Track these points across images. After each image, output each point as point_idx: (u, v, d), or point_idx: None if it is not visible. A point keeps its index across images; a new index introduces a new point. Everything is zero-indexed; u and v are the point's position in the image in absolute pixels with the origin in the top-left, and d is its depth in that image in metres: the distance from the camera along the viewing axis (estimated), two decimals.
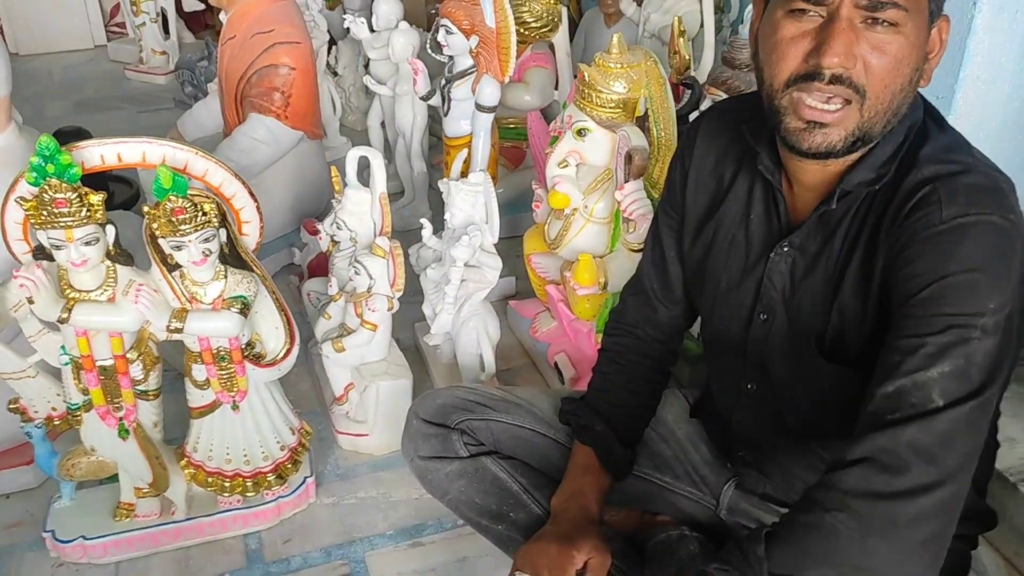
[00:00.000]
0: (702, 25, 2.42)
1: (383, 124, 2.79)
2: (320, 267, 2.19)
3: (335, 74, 3.30)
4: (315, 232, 2.22)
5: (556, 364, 1.97)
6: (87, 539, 1.54)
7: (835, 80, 0.93)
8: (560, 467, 1.35)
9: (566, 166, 1.78)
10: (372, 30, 2.63)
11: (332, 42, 3.26)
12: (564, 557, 1.16)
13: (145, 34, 3.73)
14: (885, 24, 0.91)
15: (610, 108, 1.71)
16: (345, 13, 3.06)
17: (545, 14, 2.38)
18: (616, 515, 1.46)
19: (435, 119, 2.65)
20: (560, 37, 2.48)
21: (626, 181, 1.67)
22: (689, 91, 1.98)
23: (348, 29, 2.72)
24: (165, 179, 1.30)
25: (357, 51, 3.23)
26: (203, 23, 4.14)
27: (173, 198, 1.31)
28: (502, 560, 1.33)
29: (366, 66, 2.89)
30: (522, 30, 2.35)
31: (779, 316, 1.10)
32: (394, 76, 2.52)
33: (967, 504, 0.97)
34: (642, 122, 1.75)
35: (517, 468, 1.38)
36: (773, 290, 1.10)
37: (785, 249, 1.08)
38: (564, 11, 2.45)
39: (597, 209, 1.80)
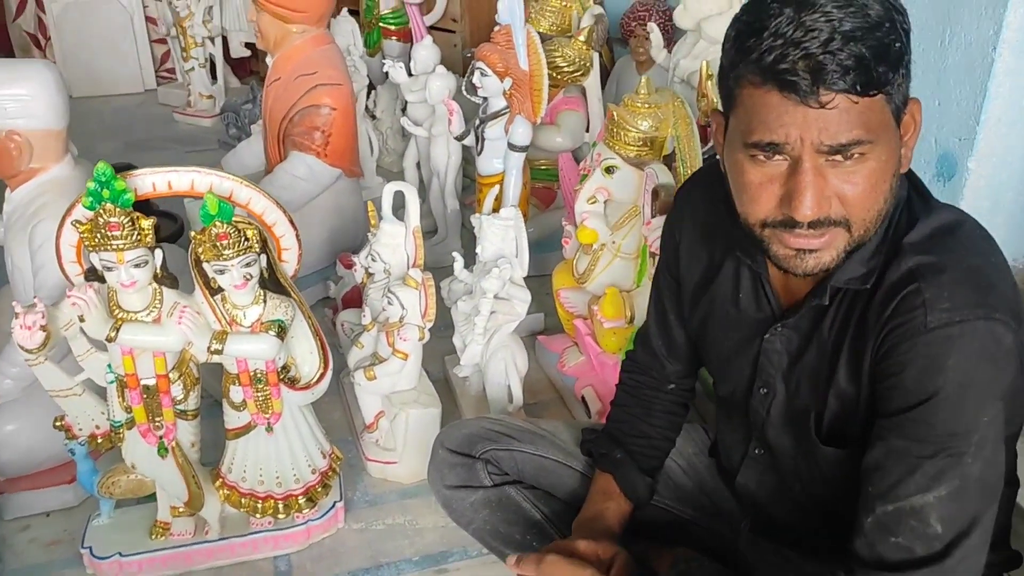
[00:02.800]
0: None
1: (418, 164, 2.87)
2: (354, 300, 2.25)
3: (373, 117, 3.40)
4: (350, 266, 2.28)
5: (583, 398, 2.00)
6: (123, 556, 1.59)
7: (814, 224, 0.92)
8: (581, 496, 1.37)
9: (595, 202, 1.83)
10: (410, 74, 2.73)
11: (371, 87, 3.37)
12: (588, 551, 1.17)
13: (193, 79, 3.88)
14: (852, 158, 0.89)
15: (637, 146, 1.76)
16: (384, 59, 3.19)
17: (577, 59, 2.46)
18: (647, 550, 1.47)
19: (468, 160, 2.73)
20: (592, 81, 2.55)
21: (653, 217, 1.71)
22: None
23: (387, 74, 2.82)
24: (212, 206, 1.37)
25: (395, 95, 3.33)
26: (248, 69, 4.29)
27: (218, 224, 1.37)
28: None
29: (403, 110, 2.99)
30: (555, 74, 2.42)
31: (779, 392, 1.12)
32: (430, 118, 2.60)
33: (991, 556, 0.99)
34: (669, 160, 1.80)
35: (540, 498, 1.41)
36: (771, 367, 1.11)
37: (779, 330, 1.09)
38: (596, 57, 2.52)
39: (624, 244, 1.84)
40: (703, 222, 1.19)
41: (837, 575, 0.97)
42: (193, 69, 3.84)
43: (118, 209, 1.33)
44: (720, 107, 1.01)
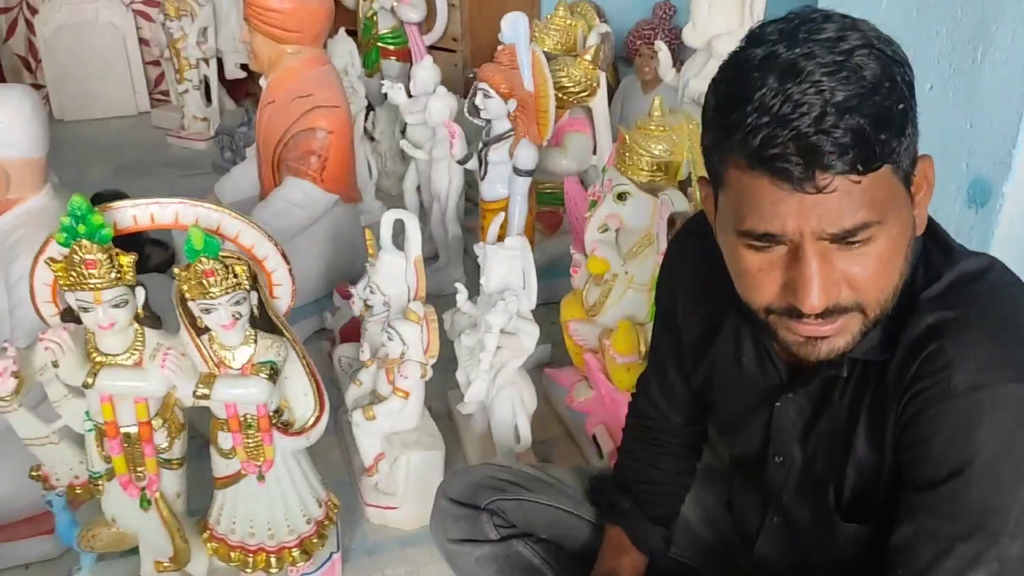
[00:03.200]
0: None
1: (419, 188, 2.79)
2: (352, 332, 2.15)
3: (372, 139, 3.32)
4: (348, 296, 2.19)
5: (594, 437, 1.90)
6: None
7: (823, 314, 0.83)
8: (593, 549, 1.29)
9: (606, 230, 1.74)
10: (409, 95, 2.64)
11: (370, 108, 3.29)
12: None
13: (188, 101, 3.80)
14: (860, 242, 0.80)
15: (651, 171, 1.67)
16: (383, 80, 3.11)
17: (583, 79, 2.37)
18: None
19: (471, 184, 2.64)
20: (598, 102, 2.47)
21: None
22: None
23: (386, 96, 2.74)
24: (197, 240, 1.27)
25: (394, 117, 3.25)
26: (245, 91, 4.20)
27: (204, 260, 1.28)
28: None
29: (402, 132, 2.90)
30: (560, 95, 2.34)
31: (796, 459, 1.03)
32: (431, 140, 2.52)
33: None
34: (684, 186, 1.71)
35: (551, 552, 1.33)
36: (784, 435, 1.02)
37: (791, 397, 1.00)
38: (602, 76, 2.44)
39: (638, 275, 1.75)
40: (699, 276, 1.09)
41: None
42: (187, 91, 3.76)
43: (95, 245, 1.23)
44: (707, 173, 0.90)
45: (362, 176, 2.95)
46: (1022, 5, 1.49)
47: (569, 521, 1.33)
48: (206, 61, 3.74)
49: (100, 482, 1.40)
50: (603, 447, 1.86)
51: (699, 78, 2.40)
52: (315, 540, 1.57)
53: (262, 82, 2.37)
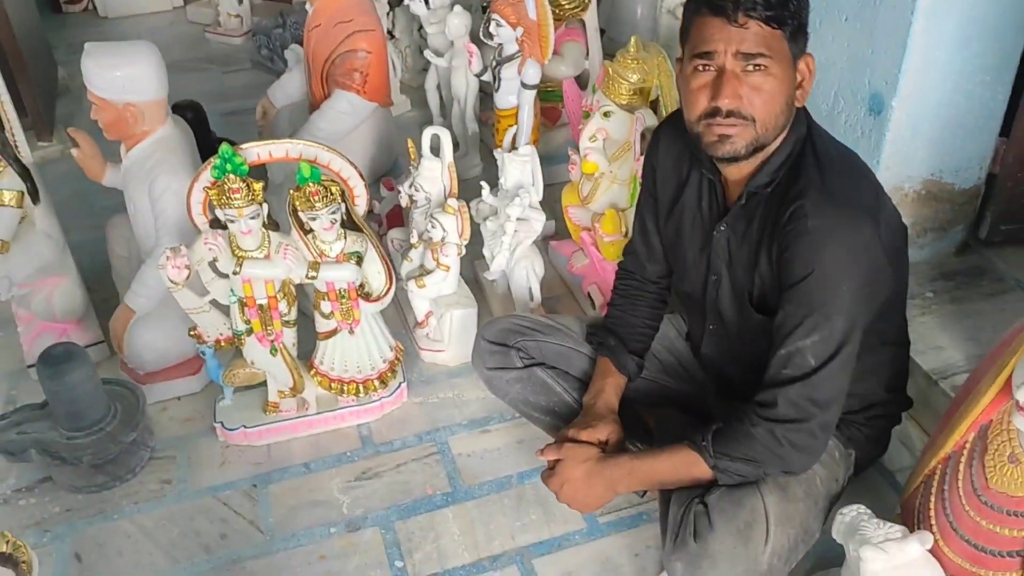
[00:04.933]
0: None
1: (438, 87, 3.25)
2: (396, 217, 2.69)
3: (392, 36, 3.71)
4: (392, 188, 2.72)
5: (589, 294, 2.47)
6: (247, 427, 2.10)
7: (730, 114, 1.35)
8: (588, 372, 1.85)
9: (595, 140, 2.26)
10: (428, 7, 3.07)
11: (390, 5, 3.66)
12: (589, 437, 1.66)
13: (221, 1, 4.18)
14: (757, 70, 1.32)
15: (629, 95, 2.17)
16: None
17: None
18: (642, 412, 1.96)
19: (485, 91, 3.08)
20: (590, 15, 2.91)
21: (642, 154, 2.14)
22: None
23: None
24: (305, 170, 1.81)
25: (411, 17, 3.65)
26: None
27: (311, 184, 1.82)
28: (548, 440, 1.86)
29: (419, 29, 3.31)
30: (557, 11, 2.79)
31: (724, 277, 1.58)
32: (450, 50, 2.97)
33: (888, 396, 1.58)
34: (655, 105, 2.21)
35: (559, 375, 1.87)
36: (718, 260, 1.57)
37: (723, 229, 1.54)
38: None
39: (620, 173, 2.28)
40: (674, 147, 1.64)
41: (746, 409, 1.47)
42: None
43: (237, 178, 1.77)
44: (681, 43, 1.44)
45: None
46: None
47: (571, 355, 1.87)
48: None
49: (243, 337, 1.99)
50: (595, 301, 2.44)
51: None
52: (389, 374, 2.18)
53: (307, 7, 2.80)
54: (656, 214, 1.73)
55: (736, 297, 1.59)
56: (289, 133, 2.90)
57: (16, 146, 2.15)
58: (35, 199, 2.18)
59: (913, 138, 2.11)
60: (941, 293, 2.22)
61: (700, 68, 1.37)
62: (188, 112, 2.81)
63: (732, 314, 1.62)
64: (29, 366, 2.27)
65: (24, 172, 2.13)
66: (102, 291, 2.50)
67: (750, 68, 1.33)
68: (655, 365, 1.88)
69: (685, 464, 1.51)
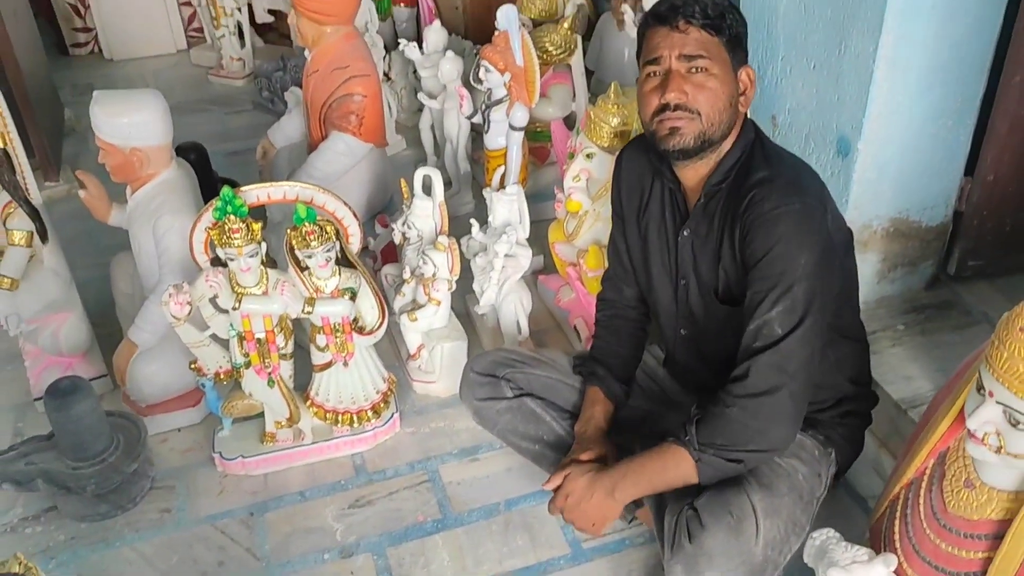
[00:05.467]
0: None
1: (432, 127, 3.37)
2: (390, 252, 2.80)
3: (388, 78, 3.85)
4: (386, 225, 2.83)
5: (575, 327, 2.57)
6: (245, 457, 2.18)
7: (677, 108, 1.51)
8: (574, 402, 1.93)
9: (579, 180, 2.37)
10: (422, 52, 3.20)
11: (386, 49, 3.81)
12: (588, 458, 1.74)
13: (224, 44, 4.31)
14: (699, 71, 1.50)
15: (610, 137, 2.28)
16: (397, 27, 3.64)
17: (563, 43, 2.95)
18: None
19: (476, 131, 3.19)
20: (576, 59, 3.03)
21: None
22: None
23: (399, 44, 3.30)
24: (302, 211, 1.92)
25: (407, 61, 3.78)
26: (278, 32, 4.68)
27: (307, 224, 1.92)
28: (536, 471, 1.96)
29: (414, 72, 3.45)
30: (544, 56, 2.91)
31: (691, 280, 1.69)
32: (442, 93, 3.09)
33: (855, 390, 1.70)
34: None
35: (548, 405, 1.94)
36: (685, 264, 1.68)
37: (685, 234, 1.66)
38: (578, 39, 2.99)
39: (603, 211, 2.37)
40: (636, 168, 1.76)
41: (719, 394, 1.55)
42: (224, 36, 4.27)
43: (237, 218, 1.88)
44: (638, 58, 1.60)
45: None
46: (868, 15, 2.04)
47: (559, 386, 1.94)
48: (239, 8, 4.24)
49: (241, 370, 2.08)
50: (581, 334, 2.53)
51: None
52: (382, 405, 2.26)
53: (306, 54, 2.93)
54: (624, 233, 1.84)
55: (703, 296, 1.70)
56: (288, 173, 3.01)
57: (26, 188, 2.25)
58: (44, 239, 2.28)
59: (879, 178, 2.20)
60: (912, 325, 2.31)
61: (651, 74, 1.54)
62: (192, 153, 2.92)
63: (700, 313, 1.73)
64: (36, 399, 2.36)
65: (33, 213, 2.24)
66: (106, 326, 2.58)
67: (693, 70, 1.50)
68: (638, 393, 1.96)
69: (674, 460, 1.59)
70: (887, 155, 2.17)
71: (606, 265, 2.32)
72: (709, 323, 1.72)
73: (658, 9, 1.53)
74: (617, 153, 2.21)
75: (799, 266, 1.48)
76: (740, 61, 1.56)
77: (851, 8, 2.07)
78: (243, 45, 4.34)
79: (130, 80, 4.46)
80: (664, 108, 1.52)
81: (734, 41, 1.54)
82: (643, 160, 1.75)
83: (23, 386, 2.44)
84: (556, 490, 1.70)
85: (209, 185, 3.04)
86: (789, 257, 1.49)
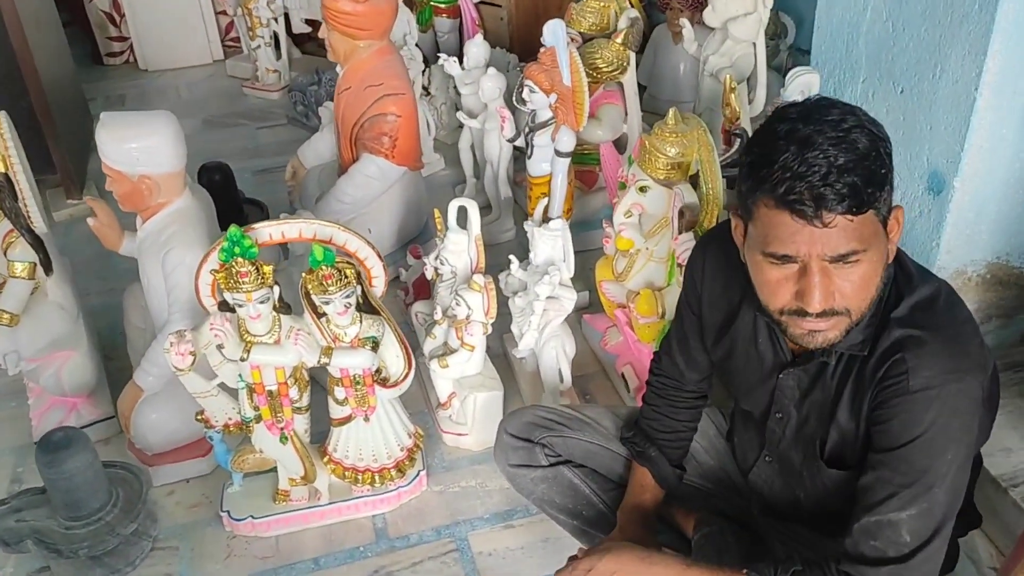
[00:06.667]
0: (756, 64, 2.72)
1: (472, 147, 3.16)
2: (422, 285, 2.59)
3: (428, 93, 3.66)
4: (419, 256, 2.63)
5: (623, 374, 2.33)
6: (255, 518, 1.98)
7: (821, 314, 1.17)
8: (619, 473, 1.71)
9: (630, 216, 2.13)
10: (463, 67, 2.99)
11: (425, 62, 3.62)
12: None
13: (260, 55, 4.16)
14: (849, 264, 1.13)
15: (666, 169, 2.04)
16: (438, 38, 3.44)
17: (615, 59, 2.70)
18: (674, 512, 1.80)
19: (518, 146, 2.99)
20: (628, 77, 2.79)
21: (680, 232, 2.00)
22: (739, 140, 2.28)
23: (439, 57, 3.09)
24: (319, 253, 1.70)
25: (447, 75, 3.58)
26: (317, 43, 4.52)
27: (324, 267, 1.71)
28: (575, 542, 1.72)
29: (454, 87, 3.25)
30: (595, 73, 2.68)
31: (792, 418, 1.40)
32: (483, 112, 2.88)
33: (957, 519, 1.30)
34: (693, 180, 2.07)
35: (588, 475, 1.73)
36: (785, 399, 1.39)
37: (792, 371, 1.36)
38: (632, 56, 2.75)
39: (657, 250, 2.14)
40: (722, 272, 1.44)
41: (829, 563, 1.27)
42: (259, 47, 4.12)
43: (246, 261, 1.67)
44: (739, 209, 1.25)
45: (421, 132, 3.31)
46: (971, 35, 1.79)
47: (601, 453, 1.73)
48: (275, 18, 4.08)
49: (251, 424, 1.88)
50: (630, 383, 2.30)
51: (717, 55, 2.70)
52: (407, 462, 2.05)
53: (338, 69, 2.74)
54: (701, 336, 1.55)
55: (804, 443, 1.41)
56: (317, 195, 2.83)
57: (29, 216, 2.08)
58: (47, 270, 2.11)
59: (977, 220, 1.95)
60: (1008, 387, 2.02)
61: (776, 264, 1.18)
62: (216, 174, 2.75)
63: (795, 458, 1.44)
64: (36, 443, 2.18)
65: (36, 242, 2.07)
66: (119, 359, 2.42)
67: (841, 264, 1.14)
68: (692, 466, 1.73)
69: None
70: (987, 193, 1.93)
71: (660, 311, 2.10)
72: (804, 473, 1.44)
73: (788, 195, 1.10)
74: (677, 192, 2.00)
75: (945, 463, 1.20)
76: (890, 209, 1.17)
77: (950, 27, 1.81)
78: (279, 56, 4.18)
79: (164, 90, 4.33)
80: (803, 312, 1.18)
81: (886, 192, 1.14)
82: (730, 271, 1.39)
83: (26, 425, 2.28)
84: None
85: (235, 207, 2.87)
86: (936, 453, 1.20)
